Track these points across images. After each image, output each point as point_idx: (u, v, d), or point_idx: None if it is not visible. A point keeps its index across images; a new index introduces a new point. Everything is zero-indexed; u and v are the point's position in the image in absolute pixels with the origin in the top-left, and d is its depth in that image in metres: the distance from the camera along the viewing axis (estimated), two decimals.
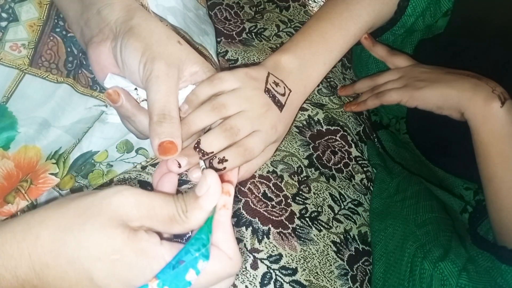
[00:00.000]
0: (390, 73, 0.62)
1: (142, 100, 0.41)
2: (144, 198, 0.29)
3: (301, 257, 0.51)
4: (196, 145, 0.41)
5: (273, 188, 0.55)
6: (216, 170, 0.41)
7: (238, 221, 0.51)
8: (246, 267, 0.48)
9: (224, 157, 0.41)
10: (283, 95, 0.48)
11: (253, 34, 0.70)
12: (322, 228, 0.54)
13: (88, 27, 0.41)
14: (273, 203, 0.53)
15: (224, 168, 0.41)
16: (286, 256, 0.50)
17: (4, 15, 0.41)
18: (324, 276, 0.51)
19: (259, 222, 0.51)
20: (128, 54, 0.38)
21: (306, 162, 0.59)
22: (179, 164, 0.39)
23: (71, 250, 0.27)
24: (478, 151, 0.52)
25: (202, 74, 0.42)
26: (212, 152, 0.41)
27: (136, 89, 0.41)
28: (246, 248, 0.49)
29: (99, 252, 0.27)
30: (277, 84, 0.47)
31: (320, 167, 0.59)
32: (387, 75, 0.62)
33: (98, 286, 0.27)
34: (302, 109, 0.63)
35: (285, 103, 0.47)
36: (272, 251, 0.50)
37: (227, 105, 0.42)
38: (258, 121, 0.44)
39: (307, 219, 0.54)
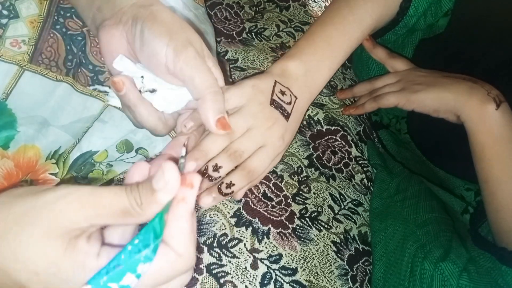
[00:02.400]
0: (388, 76, 0.62)
1: (146, 90, 0.41)
2: (90, 198, 0.28)
3: (301, 257, 0.51)
4: (204, 171, 0.43)
5: (273, 188, 0.54)
6: (225, 194, 0.44)
7: (238, 221, 0.51)
8: (246, 267, 0.48)
9: (231, 181, 0.44)
10: (289, 103, 0.49)
11: (253, 34, 0.70)
12: (322, 228, 0.54)
13: (101, 11, 0.41)
14: (273, 203, 0.53)
15: (232, 191, 0.45)
16: (286, 256, 0.50)
17: (4, 12, 0.41)
18: (324, 276, 0.51)
19: (259, 222, 0.51)
20: (152, 38, 0.38)
21: (306, 162, 0.59)
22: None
23: (7, 261, 0.26)
24: (475, 153, 0.52)
25: (213, 72, 0.43)
26: (220, 177, 0.44)
27: (142, 77, 0.41)
28: (246, 248, 0.49)
29: (36, 266, 0.26)
30: (283, 93, 0.48)
31: (320, 167, 0.59)
32: (385, 78, 0.62)
33: None
34: None
35: (291, 111, 0.49)
36: (272, 251, 0.50)
37: (234, 131, 0.44)
38: (264, 136, 0.46)
39: (307, 219, 0.54)
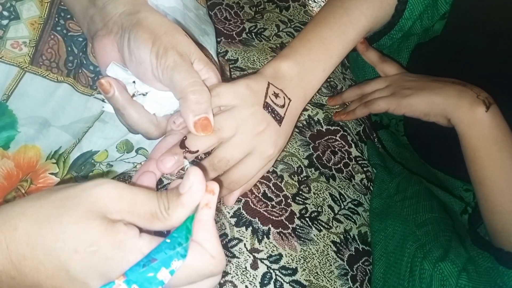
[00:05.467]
0: (378, 81, 0.62)
1: (139, 94, 0.41)
2: (127, 193, 0.29)
3: (301, 257, 0.51)
4: None
5: (273, 188, 0.55)
6: None
7: (238, 221, 0.51)
8: (246, 267, 0.48)
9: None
10: (283, 106, 0.47)
11: (253, 34, 0.70)
12: (322, 228, 0.54)
13: (93, 22, 0.41)
14: (273, 203, 0.53)
15: None
16: (286, 256, 0.50)
17: (5, 13, 0.41)
18: (324, 276, 0.51)
19: (259, 222, 0.51)
20: (137, 46, 0.38)
21: (306, 162, 0.59)
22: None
23: (48, 242, 0.26)
24: (467, 156, 0.52)
25: (205, 73, 0.42)
26: None
27: (134, 82, 0.41)
28: (246, 248, 0.49)
29: (76, 244, 0.26)
30: (276, 96, 0.47)
31: (320, 167, 0.59)
32: (375, 84, 0.62)
33: (74, 279, 0.27)
34: None
35: (284, 114, 0.47)
36: (272, 251, 0.50)
37: (222, 129, 0.43)
38: (252, 143, 0.44)
39: (307, 219, 0.54)
